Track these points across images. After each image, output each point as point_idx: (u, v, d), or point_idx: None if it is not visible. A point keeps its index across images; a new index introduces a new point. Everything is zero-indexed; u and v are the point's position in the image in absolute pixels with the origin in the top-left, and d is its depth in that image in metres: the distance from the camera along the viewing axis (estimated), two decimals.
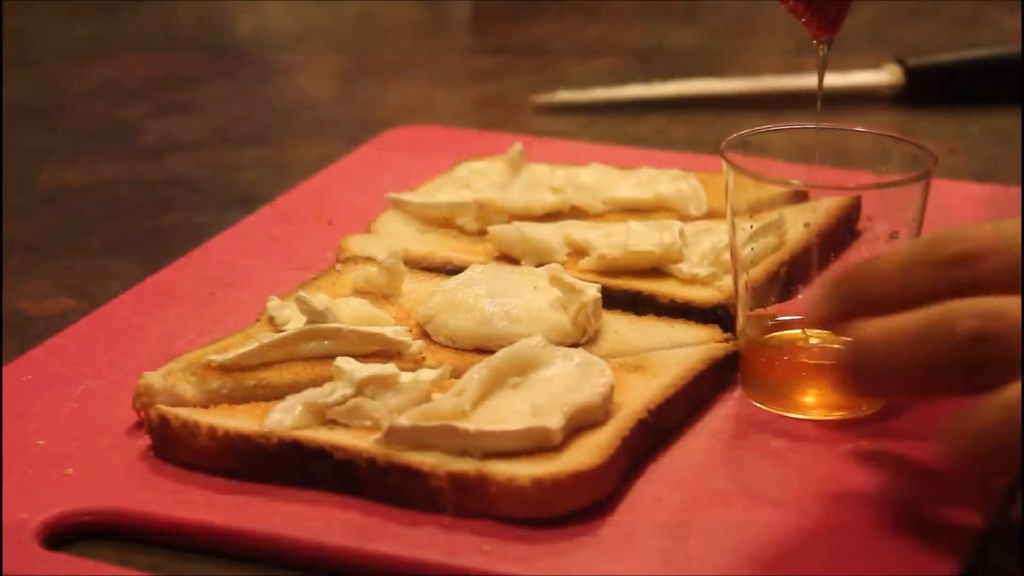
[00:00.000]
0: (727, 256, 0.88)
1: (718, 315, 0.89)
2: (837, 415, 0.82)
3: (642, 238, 0.93)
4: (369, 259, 0.94)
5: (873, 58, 1.33)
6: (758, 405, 0.83)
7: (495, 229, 0.95)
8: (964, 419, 0.68)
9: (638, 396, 0.80)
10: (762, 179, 0.80)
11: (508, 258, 0.94)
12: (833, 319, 0.74)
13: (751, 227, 0.82)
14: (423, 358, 0.84)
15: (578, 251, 0.94)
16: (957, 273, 0.70)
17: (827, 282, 0.74)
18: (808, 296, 0.78)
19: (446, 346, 0.85)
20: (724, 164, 0.81)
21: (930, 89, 1.30)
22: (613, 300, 0.90)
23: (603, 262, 0.92)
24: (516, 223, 0.96)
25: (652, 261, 0.92)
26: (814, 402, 0.82)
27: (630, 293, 0.91)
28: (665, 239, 0.92)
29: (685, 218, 0.99)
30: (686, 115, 1.29)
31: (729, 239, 0.83)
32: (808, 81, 1.29)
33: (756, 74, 1.34)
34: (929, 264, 0.71)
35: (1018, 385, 0.67)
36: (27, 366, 0.87)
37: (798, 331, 0.84)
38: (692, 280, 0.91)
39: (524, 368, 0.79)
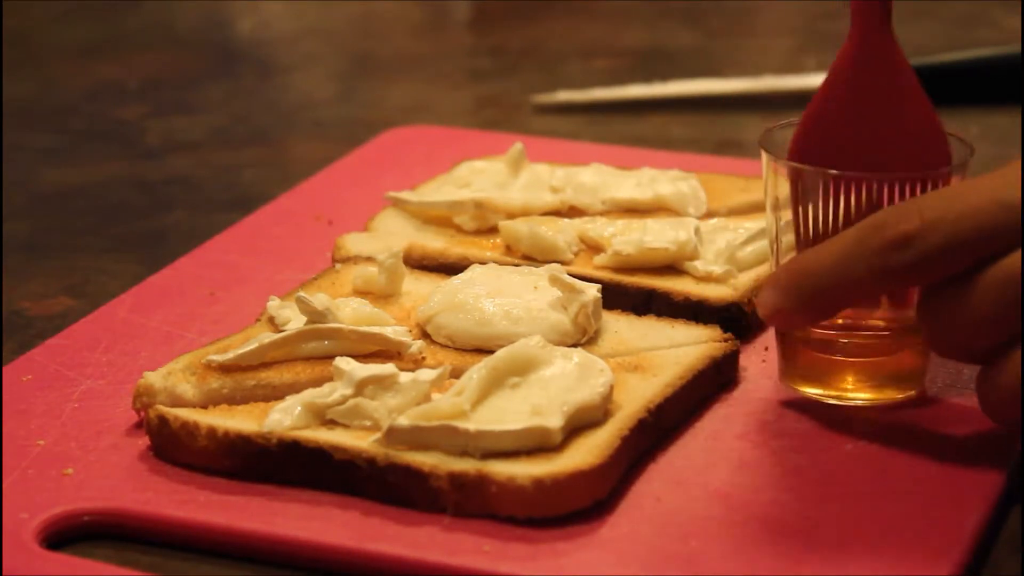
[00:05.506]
0: (742, 254, 0.90)
1: (732, 313, 0.89)
2: (883, 397, 0.82)
3: (657, 235, 0.93)
4: (368, 259, 0.94)
5: None
6: (799, 389, 0.83)
7: (505, 224, 0.95)
8: (994, 372, 0.74)
9: (638, 396, 0.80)
10: (802, 169, 0.80)
11: (522, 255, 0.94)
12: (780, 316, 0.79)
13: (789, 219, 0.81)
14: (423, 358, 0.84)
15: (593, 247, 0.94)
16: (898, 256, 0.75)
17: (771, 280, 0.79)
18: (758, 294, 0.81)
19: (446, 346, 0.85)
20: (764, 156, 0.81)
21: (930, 89, 1.30)
22: (628, 297, 0.90)
23: (618, 259, 0.92)
24: (527, 218, 0.96)
25: (667, 258, 0.92)
26: (853, 386, 0.82)
27: (645, 290, 0.91)
28: (680, 236, 0.92)
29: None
30: (686, 115, 1.29)
31: (768, 229, 0.83)
32: (808, 81, 1.29)
33: (756, 74, 1.34)
34: (872, 252, 0.75)
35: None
36: (27, 366, 0.87)
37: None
38: (707, 278, 0.91)
39: (524, 368, 0.79)
